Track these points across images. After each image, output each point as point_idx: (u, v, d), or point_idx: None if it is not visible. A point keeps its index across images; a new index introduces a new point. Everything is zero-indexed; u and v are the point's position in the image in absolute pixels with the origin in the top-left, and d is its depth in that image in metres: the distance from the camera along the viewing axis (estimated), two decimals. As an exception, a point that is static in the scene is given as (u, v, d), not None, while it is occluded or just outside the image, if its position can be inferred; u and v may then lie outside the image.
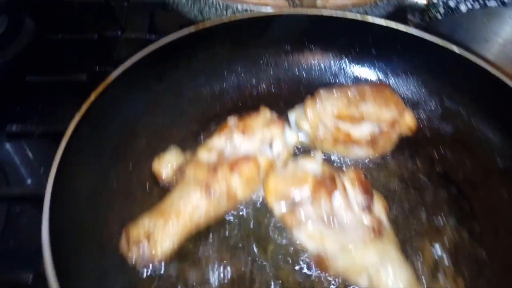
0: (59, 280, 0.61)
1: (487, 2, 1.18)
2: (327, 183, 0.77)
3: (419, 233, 0.88)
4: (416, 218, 0.91)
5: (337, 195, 0.77)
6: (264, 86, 1.14)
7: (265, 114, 0.88)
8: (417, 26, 1.47)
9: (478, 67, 0.96)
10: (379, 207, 0.82)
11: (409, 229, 0.88)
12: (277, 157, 0.85)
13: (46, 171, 0.74)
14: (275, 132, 0.84)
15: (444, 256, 0.86)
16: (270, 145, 0.85)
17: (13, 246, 0.85)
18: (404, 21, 1.39)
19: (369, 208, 0.79)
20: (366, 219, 0.77)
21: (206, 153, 0.83)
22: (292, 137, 0.89)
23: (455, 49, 0.98)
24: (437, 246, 0.87)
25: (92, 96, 0.80)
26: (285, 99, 1.11)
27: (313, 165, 0.82)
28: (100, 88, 0.82)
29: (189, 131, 1.02)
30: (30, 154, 1.01)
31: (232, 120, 0.88)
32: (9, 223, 0.88)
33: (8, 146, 1.02)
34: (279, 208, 0.79)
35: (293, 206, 0.77)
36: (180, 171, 0.82)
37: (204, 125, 1.04)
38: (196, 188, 0.78)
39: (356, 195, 0.80)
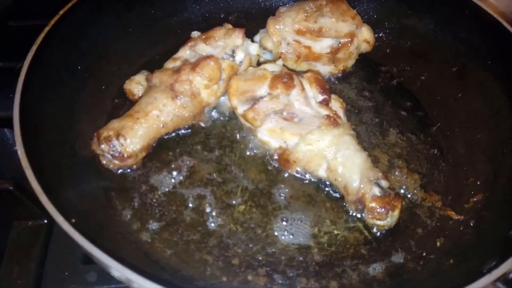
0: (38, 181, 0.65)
1: None
2: (284, 78, 0.82)
3: (376, 143, 0.94)
4: (374, 128, 0.97)
5: (295, 91, 0.83)
6: (233, 18, 1.19)
7: (227, 26, 0.93)
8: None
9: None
10: (336, 105, 0.87)
11: (367, 138, 0.95)
12: (239, 64, 0.90)
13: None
14: (236, 40, 0.89)
15: (400, 158, 0.92)
16: (233, 55, 0.90)
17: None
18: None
19: (326, 103, 0.84)
20: (323, 111, 0.83)
21: (172, 63, 0.88)
22: (254, 48, 0.94)
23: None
24: (392, 151, 0.93)
25: (61, 11, 0.84)
26: (254, 29, 1.14)
27: (272, 67, 0.88)
28: (68, 5, 0.86)
29: (158, 59, 1.05)
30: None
31: (195, 33, 0.92)
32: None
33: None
34: (242, 107, 0.84)
35: (254, 103, 0.83)
36: (147, 82, 0.87)
37: (172, 54, 1.08)
38: (162, 92, 0.83)
39: (313, 93, 0.85)
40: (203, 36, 0.89)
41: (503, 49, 0.92)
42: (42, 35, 0.81)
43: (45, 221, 0.83)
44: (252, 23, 1.18)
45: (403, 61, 1.09)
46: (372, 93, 1.04)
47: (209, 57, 0.83)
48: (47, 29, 0.82)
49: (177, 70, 0.83)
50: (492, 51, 0.94)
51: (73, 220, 0.62)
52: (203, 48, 0.87)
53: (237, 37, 0.89)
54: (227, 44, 0.88)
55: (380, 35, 1.13)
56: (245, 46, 0.91)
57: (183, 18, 1.15)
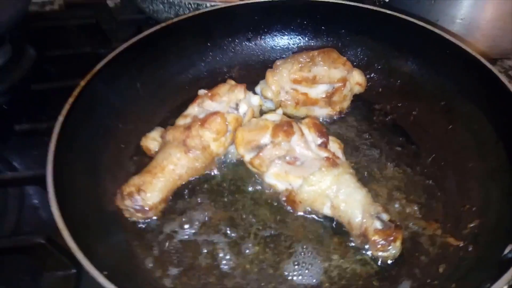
0: (71, 234, 0.73)
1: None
2: (284, 126, 0.91)
3: (374, 178, 1.01)
4: (371, 164, 1.04)
5: (295, 137, 0.91)
6: (235, 71, 1.30)
7: (230, 83, 1.03)
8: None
9: (415, 25, 1.12)
10: (335, 146, 0.95)
11: (366, 173, 1.02)
12: (243, 116, 0.99)
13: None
14: (238, 94, 0.99)
15: (398, 191, 0.98)
16: (237, 108, 1.00)
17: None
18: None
19: (325, 146, 0.93)
20: (323, 154, 0.91)
21: (182, 120, 0.98)
22: (256, 99, 1.03)
23: (390, 12, 1.14)
24: (391, 184, 1.00)
25: (82, 82, 0.95)
26: (255, 80, 1.25)
27: (273, 116, 0.97)
28: (88, 76, 0.97)
29: (171, 115, 1.16)
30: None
31: (202, 91, 1.03)
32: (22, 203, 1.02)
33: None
34: (248, 156, 0.93)
35: (259, 151, 0.91)
36: (161, 138, 0.97)
37: (183, 109, 1.18)
38: (176, 147, 0.92)
39: (312, 137, 0.93)
40: (209, 94, 0.99)
41: (484, 83, 1.00)
42: (67, 106, 0.91)
43: (74, 270, 0.89)
44: (252, 74, 1.29)
45: (394, 98, 1.18)
46: (369, 131, 1.12)
47: (215, 113, 0.93)
48: (71, 100, 0.93)
49: (188, 127, 0.92)
50: (475, 85, 1.02)
51: (105, 273, 0.70)
52: (209, 105, 0.97)
53: (239, 92, 0.98)
54: (230, 99, 0.98)
55: (372, 75, 1.23)
56: (247, 98, 1.01)
57: (190, 75, 1.25)
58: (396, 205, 0.95)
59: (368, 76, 1.21)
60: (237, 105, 0.99)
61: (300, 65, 1.08)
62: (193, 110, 0.99)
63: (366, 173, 1.02)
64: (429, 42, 1.13)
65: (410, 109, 1.15)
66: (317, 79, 1.08)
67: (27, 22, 1.44)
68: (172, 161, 0.92)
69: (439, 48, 1.10)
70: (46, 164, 0.81)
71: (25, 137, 1.19)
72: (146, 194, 0.88)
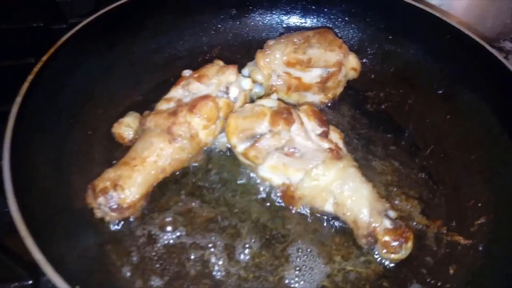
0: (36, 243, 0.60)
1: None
2: (284, 114, 0.80)
3: (369, 171, 0.92)
4: (368, 156, 0.96)
5: (295, 126, 0.81)
6: (216, 51, 1.17)
7: (219, 63, 0.91)
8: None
9: (408, 5, 1.05)
10: (335, 136, 0.87)
11: (363, 167, 0.93)
12: (234, 101, 0.88)
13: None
14: (229, 77, 0.87)
15: (397, 186, 0.91)
16: (227, 91, 0.88)
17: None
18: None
19: (326, 136, 0.84)
20: (325, 145, 0.82)
21: (165, 104, 0.85)
22: (247, 83, 0.92)
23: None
24: (386, 179, 0.92)
25: (44, 58, 0.80)
26: (238, 61, 1.12)
27: (269, 102, 0.86)
28: (50, 51, 0.82)
29: (145, 99, 1.03)
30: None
31: (186, 71, 0.90)
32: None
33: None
34: (242, 146, 0.82)
35: (254, 141, 0.81)
36: (140, 125, 0.83)
37: (159, 92, 1.05)
38: (158, 136, 0.79)
39: (312, 126, 0.84)
40: (196, 75, 0.87)
41: (487, 70, 0.95)
42: (25, 85, 0.76)
43: (30, 282, 0.75)
44: (236, 55, 1.17)
45: (388, 86, 1.11)
46: (362, 120, 1.05)
47: (206, 97, 0.81)
48: (30, 77, 0.78)
49: (173, 112, 0.80)
50: (477, 73, 0.97)
51: (77, 287, 0.57)
52: (197, 87, 0.85)
53: (230, 73, 0.87)
54: (220, 82, 0.86)
55: (364, 61, 1.15)
56: (238, 82, 0.89)
57: (167, 54, 1.12)
58: (396, 202, 0.89)
59: (360, 61, 1.13)
60: (227, 88, 0.87)
61: (294, 47, 0.97)
62: (177, 93, 0.86)
63: (363, 166, 0.94)
64: (427, 26, 1.06)
65: (406, 97, 1.08)
66: (312, 62, 0.98)
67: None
68: (154, 151, 0.79)
69: (438, 32, 1.04)
70: (1, 155, 0.67)
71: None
72: (124, 190, 0.75)
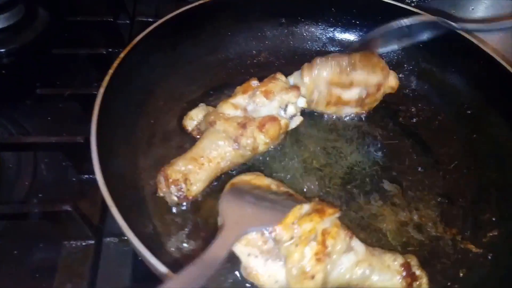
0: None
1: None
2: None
3: (396, 179, 1.02)
4: (394, 164, 1.05)
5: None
6: (263, 55, 1.29)
7: (282, 79, 1.02)
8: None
9: (447, 30, 1.12)
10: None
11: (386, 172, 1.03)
12: (290, 119, 1.00)
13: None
14: (292, 98, 0.99)
15: (421, 193, 1.00)
16: (285, 108, 1.00)
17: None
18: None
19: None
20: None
21: (232, 109, 0.96)
22: (302, 101, 1.03)
23: (425, 14, 1.14)
24: (413, 187, 1.01)
25: (122, 54, 0.93)
26: (282, 67, 1.26)
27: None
28: (127, 48, 0.95)
29: (200, 95, 1.16)
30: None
31: (254, 83, 1.01)
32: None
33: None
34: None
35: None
36: (208, 122, 0.95)
37: (212, 89, 1.18)
38: (225, 140, 0.92)
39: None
40: (263, 89, 0.97)
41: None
42: (107, 78, 0.90)
43: (92, 241, 0.90)
44: (281, 61, 1.29)
45: (421, 101, 1.20)
46: (393, 132, 1.14)
47: (273, 118, 0.94)
48: (111, 71, 0.91)
49: (243, 125, 0.92)
50: (505, 98, 1.05)
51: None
52: (262, 102, 0.96)
53: (294, 95, 0.99)
54: (283, 100, 0.98)
55: (400, 75, 1.24)
56: (296, 102, 1.02)
57: (219, 55, 1.24)
58: (418, 209, 0.98)
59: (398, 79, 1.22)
60: (286, 106, 0.99)
61: (339, 69, 1.05)
62: (243, 101, 0.97)
63: (390, 172, 1.04)
64: (462, 50, 1.14)
65: (436, 113, 1.17)
66: (354, 83, 1.07)
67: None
68: (220, 154, 0.91)
69: (471, 57, 1.12)
70: (90, 127, 0.81)
71: (39, 102, 1.16)
72: (192, 184, 0.87)
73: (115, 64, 0.93)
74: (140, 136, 1.00)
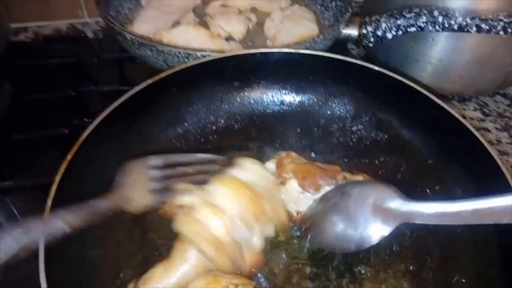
0: None
1: (408, 29, 1.37)
2: None
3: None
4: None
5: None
6: (222, 121, 1.29)
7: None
8: (358, 55, 1.69)
9: (396, 81, 1.13)
10: None
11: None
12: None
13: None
14: None
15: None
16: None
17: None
18: (346, 53, 1.57)
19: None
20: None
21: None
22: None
23: (375, 67, 1.15)
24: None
25: (69, 156, 0.91)
26: (243, 131, 1.27)
27: None
28: (74, 148, 0.93)
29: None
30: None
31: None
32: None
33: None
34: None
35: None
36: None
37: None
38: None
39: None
40: None
41: (470, 148, 1.02)
42: (58, 177, 0.88)
43: None
44: (242, 124, 1.29)
45: (382, 153, 1.19)
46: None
47: None
48: (57, 179, 0.89)
49: None
50: (457, 146, 1.04)
51: None
52: None
53: None
54: None
55: (359, 127, 1.24)
56: None
57: (178, 128, 1.23)
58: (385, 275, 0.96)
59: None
60: None
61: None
62: None
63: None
64: (411, 99, 1.13)
65: (398, 165, 1.16)
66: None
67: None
68: None
69: (421, 106, 1.11)
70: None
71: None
72: None
73: (62, 169, 0.90)
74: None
